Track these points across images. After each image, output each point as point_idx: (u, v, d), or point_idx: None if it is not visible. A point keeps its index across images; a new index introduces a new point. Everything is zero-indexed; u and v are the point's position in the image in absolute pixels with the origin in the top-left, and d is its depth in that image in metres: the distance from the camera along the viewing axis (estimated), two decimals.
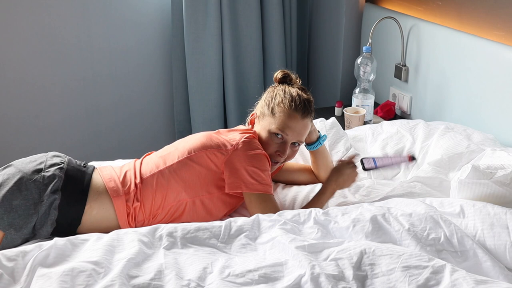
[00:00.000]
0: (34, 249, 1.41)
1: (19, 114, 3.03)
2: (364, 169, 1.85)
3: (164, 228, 1.54)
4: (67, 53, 3.01)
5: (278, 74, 1.92)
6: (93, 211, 1.70)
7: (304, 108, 1.83)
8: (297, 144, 1.87)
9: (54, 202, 1.65)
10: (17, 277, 1.34)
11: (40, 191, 1.65)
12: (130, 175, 1.77)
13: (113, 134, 3.24)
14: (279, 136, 1.83)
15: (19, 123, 3.04)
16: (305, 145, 2.01)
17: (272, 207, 1.76)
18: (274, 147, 1.84)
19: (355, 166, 1.87)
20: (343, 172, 1.85)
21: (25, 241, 1.66)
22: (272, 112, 1.84)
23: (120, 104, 3.21)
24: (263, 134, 1.85)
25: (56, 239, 1.45)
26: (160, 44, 3.18)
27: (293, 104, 1.82)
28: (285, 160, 1.89)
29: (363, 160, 1.85)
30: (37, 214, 1.63)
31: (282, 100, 1.83)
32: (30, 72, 2.98)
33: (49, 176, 1.67)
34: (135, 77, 3.19)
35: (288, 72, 1.93)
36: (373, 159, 1.85)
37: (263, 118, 1.87)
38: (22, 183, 1.64)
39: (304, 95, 1.87)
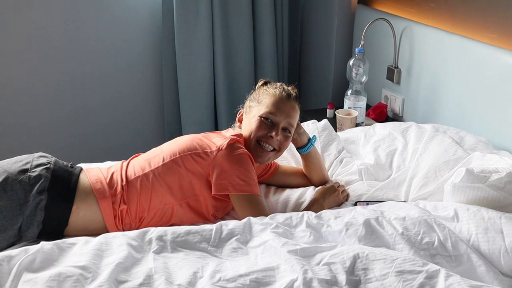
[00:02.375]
0: (20, 254, 1.38)
1: (5, 115, 2.98)
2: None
3: (154, 232, 1.52)
4: (56, 53, 2.97)
5: (259, 82, 1.99)
6: (80, 212, 1.67)
7: (288, 92, 1.89)
8: (288, 131, 1.87)
9: (40, 203, 1.62)
10: (2, 282, 1.31)
11: (26, 191, 1.61)
12: (117, 177, 1.75)
13: (103, 135, 3.21)
14: (269, 120, 1.84)
15: (5, 124, 3.00)
16: (297, 150, 2.00)
17: (261, 208, 1.74)
18: (266, 130, 1.83)
19: (344, 191, 1.96)
20: (332, 192, 1.91)
21: (11, 244, 1.63)
22: (258, 101, 1.88)
23: (110, 105, 3.18)
24: (253, 121, 1.85)
25: (42, 243, 1.42)
26: (150, 44, 3.15)
27: (277, 90, 1.89)
28: (279, 150, 1.87)
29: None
30: (22, 215, 1.60)
31: (266, 90, 1.90)
32: (17, 72, 2.94)
33: (35, 177, 1.64)
34: (125, 77, 3.16)
35: (269, 79, 2.00)
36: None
37: (251, 110, 1.89)
38: (7, 184, 1.61)
39: (288, 86, 1.94)
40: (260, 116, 1.84)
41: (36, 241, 1.64)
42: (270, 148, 1.85)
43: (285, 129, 1.86)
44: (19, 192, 1.61)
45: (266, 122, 1.84)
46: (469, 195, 1.64)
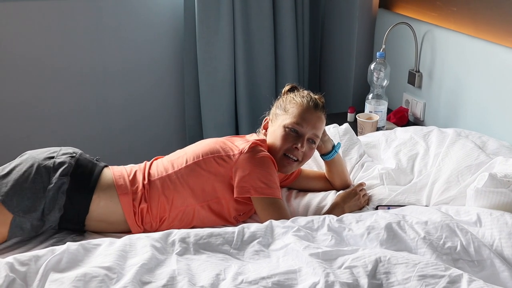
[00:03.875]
0: (47, 254, 1.41)
1: (28, 115, 3.03)
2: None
3: (177, 234, 1.53)
4: (77, 58, 3.01)
5: (286, 87, 1.97)
6: (101, 201, 1.71)
7: (315, 102, 1.87)
8: (313, 142, 1.86)
9: (62, 186, 1.67)
10: (29, 282, 1.34)
11: (50, 175, 1.68)
12: (139, 176, 1.79)
13: (124, 138, 3.24)
14: (295, 130, 1.83)
15: (28, 125, 3.04)
16: (321, 156, 2.00)
17: (283, 211, 1.75)
18: (291, 141, 1.82)
19: (365, 195, 1.95)
20: (353, 196, 1.91)
21: (34, 229, 1.67)
22: (285, 109, 1.86)
23: (131, 108, 3.21)
24: (279, 132, 1.84)
25: (68, 243, 1.44)
26: (172, 48, 3.18)
27: (305, 99, 1.86)
28: (302, 160, 1.87)
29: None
30: (45, 198, 1.65)
31: (293, 98, 1.88)
32: (40, 74, 2.98)
33: (60, 162, 1.71)
34: (147, 81, 3.19)
35: (295, 84, 1.98)
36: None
37: (276, 118, 1.88)
38: (33, 168, 1.68)
39: (315, 95, 1.91)
40: (286, 127, 1.83)
41: (62, 240, 1.68)
42: (295, 158, 1.84)
43: (310, 140, 1.85)
44: (43, 175, 1.67)
45: (292, 133, 1.83)
46: (492, 200, 1.64)
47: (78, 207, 1.70)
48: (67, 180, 1.68)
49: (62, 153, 1.76)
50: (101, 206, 1.71)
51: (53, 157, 1.72)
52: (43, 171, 1.68)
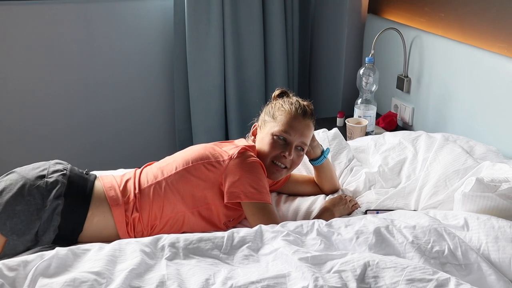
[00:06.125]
0: (36, 259, 1.40)
1: (19, 123, 3.02)
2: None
3: (167, 239, 1.53)
4: (69, 62, 3.01)
5: (276, 92, 1.97)
6: (94, 218, 1.70)
7: (304, 109, 1.86)
8: (301, 149, 1.87)
9: (57, 208, 1.65)
10: (18, 287, 1.33)
11: (43, 196, 1.64)
12: (130, 185, 1.77)
13: (114, 143, 3.24)
14: (283, 138, 1.83)
15: (19, 132, 3.03)
16: (310, 161, 2.01)
17: (273, 216, 1.75)
18: (279, 149, 1.83)
19: (351, 200, 1.96)
20: (341, 201, 1.91)
21: (27, 248, 1.65)
22: (273, 116, 1.86)
23: (122, 113, 3.21)
24: (267, 139, 1.84)
25: (57, 248, 1.44)
26: (162, 53, 3.18)
27: (293, 107, 1.86)
28: (290, 167, 1.88)
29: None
30: (40, 220, 1.63)
31: (282, 105, 1.87)
32: (30, 80, 2.98)
33: (52, 182, 1.67)
34: (137, 86, 3.19)
35: (285, 89, 1.98)
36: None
37: (265, 125, 1.88)
38: (25, 189, 1.64)
39: (304, 102, 1.91)
40: (274, 134, 1.83)
41: (51, 246, 1.67)
42: (283, 166, 1.85)
43: (298, 148, 1.86)
44: (36, 197, 1.64)
45: (279, 141, 1.83)
46: (479, 204, 1.65)
47: (72, 226, 1.68)
48: (62, 201, 1.66)
49: (52, 170, 1.72)
50: (94, 223, 1.70)
51: (44, 176, 1.69)
52: (35, 192, 1.64)
